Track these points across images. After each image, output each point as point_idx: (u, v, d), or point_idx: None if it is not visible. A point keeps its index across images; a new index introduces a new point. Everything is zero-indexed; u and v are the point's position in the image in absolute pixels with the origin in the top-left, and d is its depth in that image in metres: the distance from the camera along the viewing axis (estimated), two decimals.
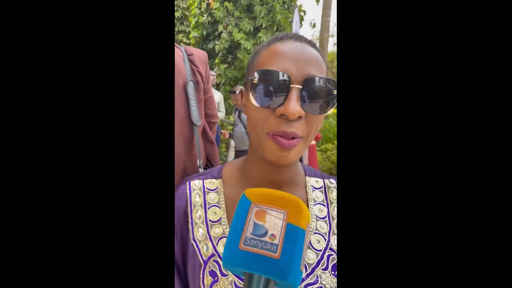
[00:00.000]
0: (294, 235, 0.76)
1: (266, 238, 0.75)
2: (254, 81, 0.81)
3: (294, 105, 0.79)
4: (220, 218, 0.93)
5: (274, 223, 0.77)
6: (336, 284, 0.86)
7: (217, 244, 0.91)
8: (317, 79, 0.80)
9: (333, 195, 0.97)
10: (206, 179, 0.99)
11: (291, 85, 0.79)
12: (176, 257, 0.94)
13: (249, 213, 0.78)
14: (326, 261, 0.91)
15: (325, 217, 0.95)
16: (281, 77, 0.79)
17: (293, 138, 0.82)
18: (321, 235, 0.92)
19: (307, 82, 0.80)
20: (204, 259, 0.91)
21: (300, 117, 0.80)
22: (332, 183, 1.00)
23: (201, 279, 0.90)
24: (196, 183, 0.97)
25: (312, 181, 1.00)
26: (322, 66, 0.84)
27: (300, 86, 0.80)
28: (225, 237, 0.89)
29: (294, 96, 0.79)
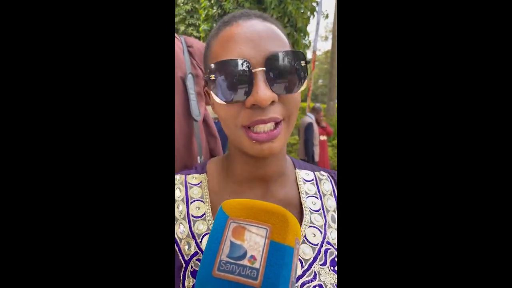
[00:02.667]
0: (280, 256, 0.64)
1: (245, 261, 0.62)
2: (211, 78, 0.74)
3: (263, 91, 0.71)
4: (205, 213, 0.85)
5: (254, 242, 0.64)
6: (336, 281, 0.80)
7: (200, 242, 0.82)
8: (280, 55, 0.72)
9: (325, 187, 0.93)
10: (188, 174, 0.93)
11: (253, 70, 0.71)
12: None
13: (226, 230, 0.65)
14: (323, 256, 0.83)
15: (319, 209, 0.89)
16: (239, 65, 0.71)
17: (275, 127, 0.75)
18: (316, 228, 0.85)
19: (270, 61, 0.72)
20: (186, 258, 0.82)
21: (273, 101, 0.73)
22: (324, 175, 0.96)
23: (181, 281, 0.80)
24: (177, 178, 0.90)
25: (302, 174, 0.94)
26: (283, 40, 0.76)
27: (264, 68, 0.72)
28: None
29: (260, 81, 0.71)
